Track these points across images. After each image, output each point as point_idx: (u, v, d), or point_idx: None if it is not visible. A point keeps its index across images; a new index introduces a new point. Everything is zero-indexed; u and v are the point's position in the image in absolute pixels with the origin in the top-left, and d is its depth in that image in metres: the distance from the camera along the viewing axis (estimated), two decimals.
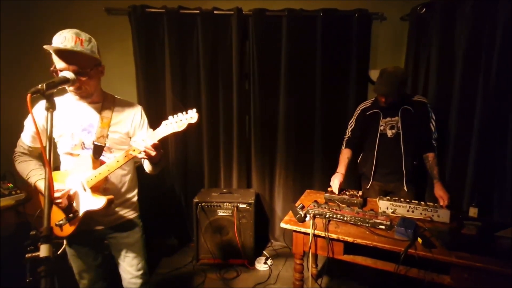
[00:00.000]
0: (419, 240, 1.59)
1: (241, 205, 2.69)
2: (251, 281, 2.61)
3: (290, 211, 1.95)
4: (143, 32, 2.85)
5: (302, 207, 1.99)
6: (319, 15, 2.81)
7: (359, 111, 2.29)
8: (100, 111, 1.48)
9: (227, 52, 2.92)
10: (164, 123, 1.33)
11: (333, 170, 2.26)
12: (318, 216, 1.83)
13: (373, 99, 2.28)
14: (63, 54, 1.29)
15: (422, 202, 1.93)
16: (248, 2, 2.86)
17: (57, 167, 1.55)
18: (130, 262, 1.61)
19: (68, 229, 1.45)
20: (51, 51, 1.31)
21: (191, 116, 1.31)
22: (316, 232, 1.74)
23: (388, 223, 1.72)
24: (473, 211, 1.88)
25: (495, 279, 1.43)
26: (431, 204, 1.91)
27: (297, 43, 2.87)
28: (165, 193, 3.11)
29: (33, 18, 2.96)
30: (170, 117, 1.32)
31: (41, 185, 1.42)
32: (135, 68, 2.93)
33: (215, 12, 2.82)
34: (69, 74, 1.22)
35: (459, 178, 2.29)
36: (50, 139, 0.97)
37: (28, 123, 1.51)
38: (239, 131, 3.04)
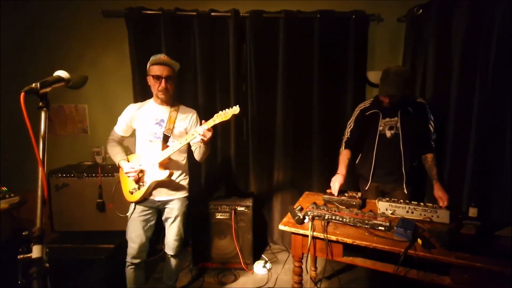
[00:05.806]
0: (419, 240, 1.57)
1: (239, 208, 2.67)
2: (250, 285, 2.58)
3: (289, 213, 1.93)
4: (139, 34, 2.84)
5: (301, 209, 1.96)
6: (316, 17, 2.82)
7: (358, 111, 2.28)
8: (169, 111, 2.07)
9: (224, 54, 2.91)
10: (216, 115, 1.88)
11: (331, 172, 2.24)
12: (317, 217, 1.82)
13: (372, 99, 2.27)
14: (160, 64, 1.94)
15: (422, 203, 1.92)
16: (245, 4, 2.86)
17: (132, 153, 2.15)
18: (174, 228, 2.16)
19: (137, 195, 2.01)
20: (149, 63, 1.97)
21: (234, 109, 1.87)
22: (315, 234, 1.72)
23: (388, 224, 1.70)
24: (472, 211, 1.85)
25: (495, 279, 1.41)
26: (431, 205, 1.90)
27: (295, 44, 2.88)
28: None
29: (29, 19, 2.95)
30: (220, 111, 1.89)
31: (123, 164, 2.00)
32: (132, 70, 2.91)
33: (212, 14, 2.82)
34: (64, 74, 1.19)
35: (457, 178, 2.29)
36: (44, 139, 0.95)
37: (121, 118, 2.09)
38: (237, 133, 3.03)
